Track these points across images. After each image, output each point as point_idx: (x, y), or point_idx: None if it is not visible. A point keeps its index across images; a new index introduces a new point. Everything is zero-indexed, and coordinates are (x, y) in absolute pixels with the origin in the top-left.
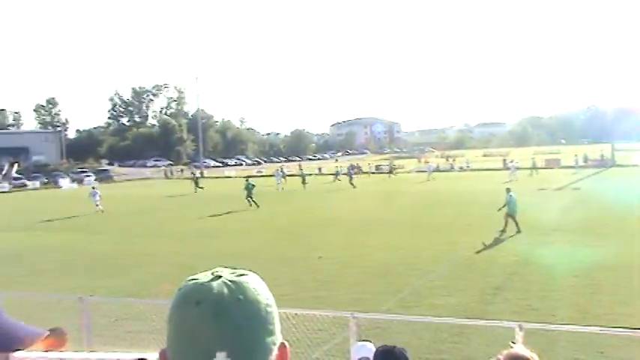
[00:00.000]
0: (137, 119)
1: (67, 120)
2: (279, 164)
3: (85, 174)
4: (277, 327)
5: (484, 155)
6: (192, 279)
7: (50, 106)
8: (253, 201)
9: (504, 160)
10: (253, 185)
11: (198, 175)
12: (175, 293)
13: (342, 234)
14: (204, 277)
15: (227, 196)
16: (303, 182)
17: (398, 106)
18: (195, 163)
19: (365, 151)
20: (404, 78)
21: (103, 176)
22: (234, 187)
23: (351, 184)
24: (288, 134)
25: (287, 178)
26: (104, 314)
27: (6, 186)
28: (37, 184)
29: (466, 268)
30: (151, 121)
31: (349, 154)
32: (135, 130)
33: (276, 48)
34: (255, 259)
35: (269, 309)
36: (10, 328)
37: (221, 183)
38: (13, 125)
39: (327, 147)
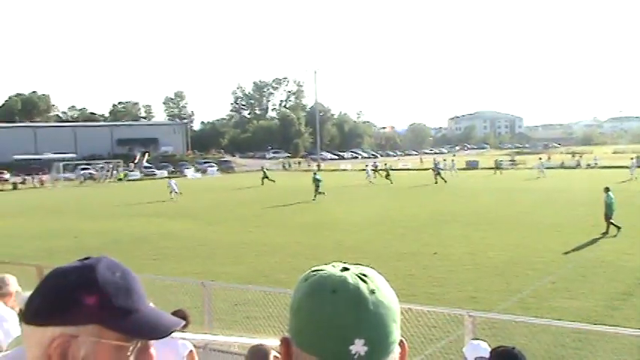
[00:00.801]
0: (257, 112)
1: (192, 112)
2: (372, 160)
3: (208, 164)
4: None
5: (614, 152)
6: (319, 269)
7: (178, 99)
8: (319, 193)
9: (631, 158)
10: (319, 179)
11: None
12: (300, 283)
13: (456, 230)
14: (331, 268)
15: (341, 189)
16: (387, 177)
17: (520, 99)
18: (312, 156)
19: (485, 145)
20: (527, 70)
21: (224, 167)
22: (349, 179)
23: (442, 179)
24: (405, 128)
25: (378, 172)
26: (224, 299)
27: (137, 174)
28: (165, 173)
29: (590, 270)
30: (270, 114)
31: (468, 148)
32: (255, 122)
33: (394, 41)
34: (369, 252)
35: (397, 304)
36: (153, 317)
37: (337, 176)
38: (144, 117)
39: (444, 141)
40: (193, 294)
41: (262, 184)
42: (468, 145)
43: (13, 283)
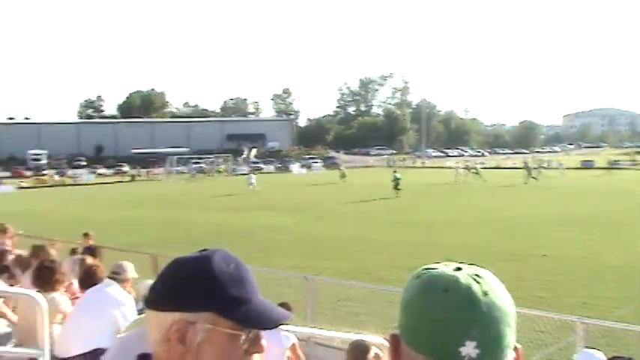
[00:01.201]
0: (363, 108)
1: (299, 109)
2: (463, 158)
3: (312, 160)
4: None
5: None
6: (431, 267)
7: (285, 95)
8: (397, 189)
9: None
10: (399, 178)
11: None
12: (411, 280)
13: (565, 231)
14: (444, 267)
15: (443, 187)
16: (476, 173)
17: None
18: (417, 153)
19: (602, 144)
20: None
21: (329, 163)
22: (455, 177)
23: (533, 177)
24: (515, 125)
25: (469, 170)
26: (327, 294)
27: (245, 169)
28: (272, 168)
29: None
30: (375, 110)
31: (583, 147)
32: (360, 119)
33: (505, 35)
34: (474, 252)
35: (512, 307)
36: (265, 308)
37: (441, 173)
38: (252, 113)
39: (557, 139)
40: (297, 288)
41: (343, 181)
42: (583, 144)
43: (130, 269)
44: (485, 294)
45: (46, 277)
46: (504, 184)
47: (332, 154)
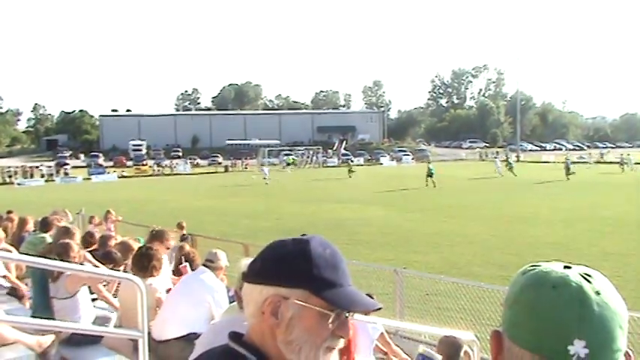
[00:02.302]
0: (455, 101)
1: (389, 101)
2: (498, 150)
3: (403, 153)
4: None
5: None
6: (537, 265)
7: (376, 87)
8: (432, 181)
9: None
10: (432, 170)
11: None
12: (517, 277)
13: None
14: (551, 265)
15: (541, 183)
16: (568, 173)
17: None
18: (512, 146)
19: None
20: None
21: (419, 155)
22: (551, 173)
23: (571, 173)
24: (617, 118)
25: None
26: (415, 287)
27: (335, 161)
28: (361, 160)
29: None
30: (468, 102)
31: None
32: (452, 111)
33: (605, 22)
34: (571, 249)
35: (624, 309)
36: (354, 294)
37: (537, 168)
38: (343, 106)
39: None
40: (385, 280)
41: (350, 176)
42: None
43: (223, 258)
44: (597, 293)
45: (144, 263)
46: (600, 180)
47: (423, 146)
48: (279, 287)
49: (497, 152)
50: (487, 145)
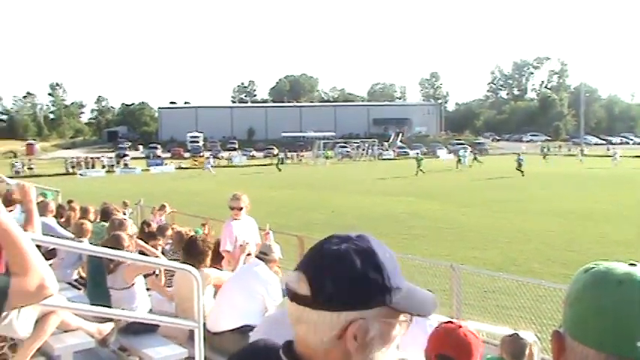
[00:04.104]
0: (516, 92)
1: (447, 93)
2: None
3: (461, 146)
4: None
5: None
6: (600, 263)
7: (433, 79)
8: (520, 171)
9: None
10: (421, 159)
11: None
12: (579, 274)
13: None
14: (616, 263)
15: (608, 178)
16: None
17: None
18: (575, 140)
19: None
20: None
21: (478, 149)
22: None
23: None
24: None
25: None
26: (473, 284)
27: (391, 153)
28: (417, 153)
29: None
30: (529, 94)
31: None
32: (513, 103)
33: None
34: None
35: None
36: (419, 295)
37: (603, 162)
38: (399, 98)
39: None
40: (442, 276)
41: (279, 170)
42: None
43: (277, 250)
44: None
45: (193, 252)
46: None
47: (481, 140)
48: (361, 310)
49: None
50: (549, 138)
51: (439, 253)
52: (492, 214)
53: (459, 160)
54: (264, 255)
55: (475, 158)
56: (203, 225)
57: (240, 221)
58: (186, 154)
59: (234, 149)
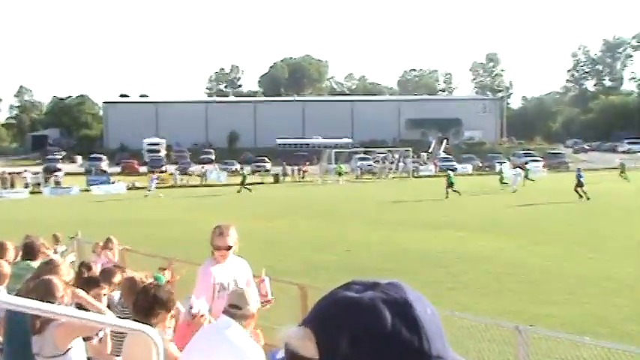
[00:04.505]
0: (607, 83)
1: (510, 84)
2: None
3: (530, 157)
4: None
5: None
6: None
7: (491, 64)
8: (582, 192)
9: None
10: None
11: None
12: None
13: None
14: None
15: None
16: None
17: None
18: None
19: None
20: None
21: (553, 162)
22: None
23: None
24: None
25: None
26: (547, 354)
27: (431, 168)
28: (469, 168)
29: None
30: (627, 86)
31: None
32: (603, 98)
33: None
34: None
35: None
36: None
37: None
38: (443, 90)
39: None
40: (503, 342)
41: (239, 190)
42: None
43: (254, 300)
44: None
45: (151, 306)
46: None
47: (559, 149)
48: None
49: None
50: None
51: (500, 309)
52: (569, 254)
53: (501, 179)
54: (235, 309)
55: (526, 176)
56: (164, 269)
57: (223, 265)
58: (143, 169)
59: (210, 161)
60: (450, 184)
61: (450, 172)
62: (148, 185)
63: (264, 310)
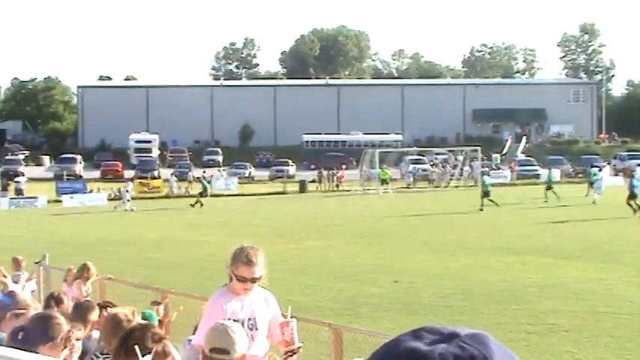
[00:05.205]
0: None
1: (611, 63)
2: None
3: (637, 160)
4: None
5: None
6: None
7: (586, 38)
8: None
9: None
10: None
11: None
12: None
13: None
14: None
15: None
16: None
17: None
18: None
19: None
20: None
21: None
22: None
23: None
24: None
25: None
26: None
27: (506, 174)
28: (556, 173)
29: None
30: None
31: None
32: None
33: None
34: None
35: None
36: None
37: None
38: (522, 72)
39: None
40: None
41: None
42: None
43: (242, 341)
44: None
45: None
46: None
47: None
48: None
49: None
50: None
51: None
52: None
53: (591, 184)
54: (220, 354)
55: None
56: (157, 304)
57: (242, 300)
58: (129, 173)
59: (217, 165)
60: (486, 193)
61: (485, 177)
62: (120, 194)
63: None
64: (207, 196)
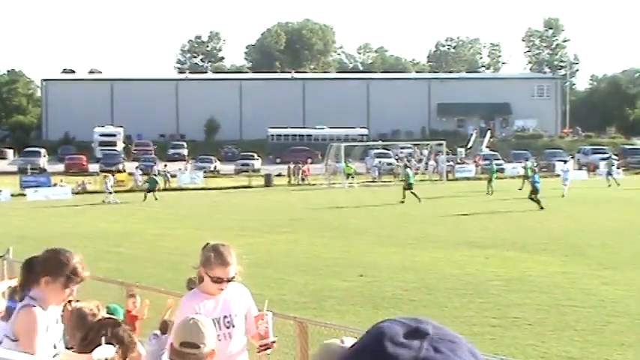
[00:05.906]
0: None
1: (575, 58)
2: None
3: (598, 154)
4: None
5: None
6: None
7: (550, 32)
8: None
9: None
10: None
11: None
12: None
13: None
14: None
15: None
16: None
17: None
18: None
19: None
20: None
21: (632, 161)
22: None
23: None
24: None
25: None
26: None
27: (470, 168)
28: (517, 168)
29: None
30: None
31: None
32: None
33: None
34: None
35: None
36: None
37: None
38: (487, 67)
39: None
40: None
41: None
42: None
43: (210, 335)
44: None
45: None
46: None
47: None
48: None
49: None
50: None
51: (558, 353)
52: None
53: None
54: (190, 348)
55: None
56: (133, 296)
57: (217, 299)
58: (93, 167)
59: (182, 158)
60: (409, 186)
61: (408, 170)
62: (103, 188)
63: (261, 357)
64: (157, 190)
